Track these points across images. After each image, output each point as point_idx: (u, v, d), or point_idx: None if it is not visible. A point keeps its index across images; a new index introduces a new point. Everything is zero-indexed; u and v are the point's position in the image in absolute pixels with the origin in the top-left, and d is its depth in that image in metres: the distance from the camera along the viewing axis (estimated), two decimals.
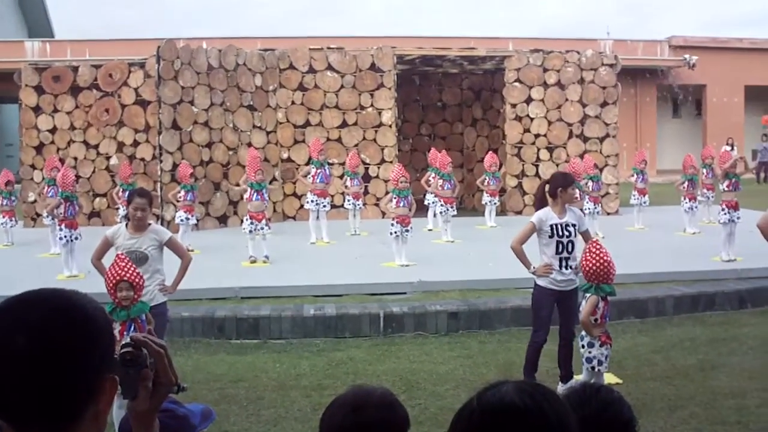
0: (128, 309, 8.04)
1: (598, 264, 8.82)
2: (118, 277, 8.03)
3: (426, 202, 21.87)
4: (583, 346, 8.98)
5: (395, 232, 15.92)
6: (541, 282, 9.67)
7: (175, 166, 20.69)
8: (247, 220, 16.75)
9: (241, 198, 22.55)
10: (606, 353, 9.03)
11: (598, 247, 8.97)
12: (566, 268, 9.60)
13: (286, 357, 11.42)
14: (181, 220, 18.40)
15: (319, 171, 19.57)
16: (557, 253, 9.56)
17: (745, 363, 10.77)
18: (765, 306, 14.15)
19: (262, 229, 16.74)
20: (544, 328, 9.75)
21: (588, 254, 8.95)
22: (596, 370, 8.96)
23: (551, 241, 9.56)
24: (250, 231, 16.64)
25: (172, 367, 2.27)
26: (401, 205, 16.01)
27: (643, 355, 10.41)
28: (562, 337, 9.80)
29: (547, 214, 9.63)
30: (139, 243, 9.21)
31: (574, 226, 9.68)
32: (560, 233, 9.56)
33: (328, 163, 20.72)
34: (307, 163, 22.20)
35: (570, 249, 9.64)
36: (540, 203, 9.95)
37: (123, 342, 2.21)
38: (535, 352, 9.79)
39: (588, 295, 8.93)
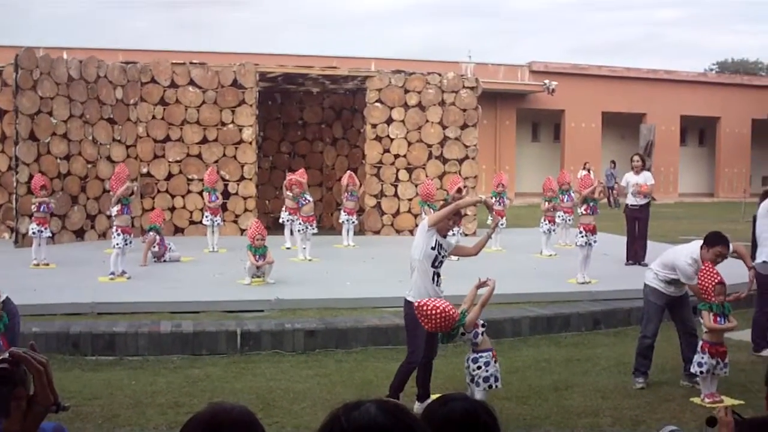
0: (2, 319, 7.95)
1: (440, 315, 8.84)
2: None
3: (281, 221, 21.97)
4: (479, 366, 8.99)
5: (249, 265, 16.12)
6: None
7: (31, 177, 20.31)
8: (119, 235, 16.45)
9: (100, 212, 22.37)
10: (498, 369, 9.21)
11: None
12: (438, 285, 9.73)
13: (142, 374, 11.32)
14: (33, 233, 18.03)
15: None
16: (433, 266, 9.68)
17: (599, 383, 11.07)
18: (618, 327, 14.56)
19: (131, 243, 16.63)
20: (420, 347, 9.71)
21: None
22: (494, 387, 9.09)
23: (433, 253, 9.67)
24: (124, 245, 16.46)
25: (52, 384, 2.23)
26: (258, 260, 16.06)
27: None
28: (425, 356, 9.84)
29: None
30: None
31: (445, 251, 9.81)
32: (439, 250, 9.68)
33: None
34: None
35: (441, 266, 9.80)
36: None
37: (0, 357, 2.17)
38: (410, 372, 9.80)
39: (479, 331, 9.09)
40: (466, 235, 24.23)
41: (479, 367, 9.00)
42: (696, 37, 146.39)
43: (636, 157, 20.09)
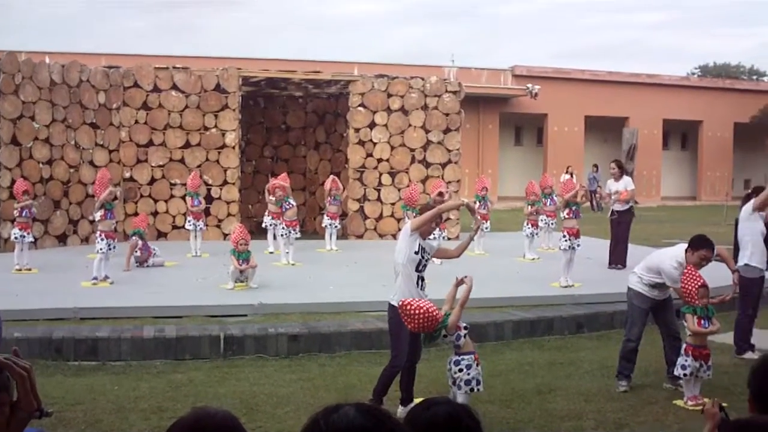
0: None
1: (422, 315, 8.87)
2: None
3: (264, 225, 21.93)
4: (461, 369, 8.99)
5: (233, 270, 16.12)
6: None
7: (14, 182, 20.22)
8: (103, 240, 16.38)
9: (82, 216, 22.28)
10: (480, 372, 9.21)
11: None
12: (422, 289, 9.73)
13: (125, 379, 11.28)
14: (16, 238, 17.92)
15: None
16: (417, 270, 9.69)
17: (582, 386, 11.08)
18: (601, 330, 14.59)
19: (114, 248, 16.56)
20: (404, 351, 9.71)
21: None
22: (476, 390, 9.08)
23: (416, 257, 9.68)
24: (108, 249, 16.40)
25: (35, 390, 2.20)
26: (242, 265, 16.06)
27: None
28: (408, 360, 9.85)
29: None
30: None
31: (428, 254, 9.83)
32: (422, 254, 9.69)
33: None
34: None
35: (425, 270, 9.80)
36: None
37: None
38: (393, 376, 9.80)
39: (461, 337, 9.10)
40: (450, 239, 24.23)
41: (461, 370, 9.01)
42: (678, 41, 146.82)
43: (613, 164, 20.16)
